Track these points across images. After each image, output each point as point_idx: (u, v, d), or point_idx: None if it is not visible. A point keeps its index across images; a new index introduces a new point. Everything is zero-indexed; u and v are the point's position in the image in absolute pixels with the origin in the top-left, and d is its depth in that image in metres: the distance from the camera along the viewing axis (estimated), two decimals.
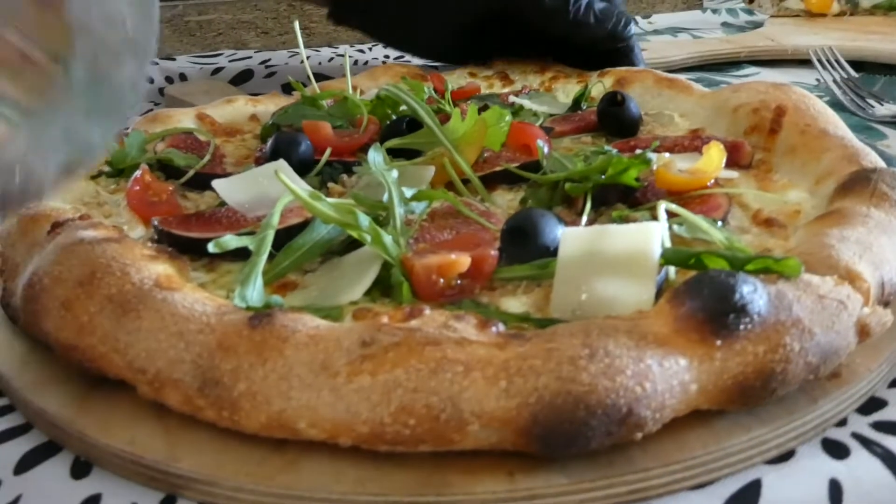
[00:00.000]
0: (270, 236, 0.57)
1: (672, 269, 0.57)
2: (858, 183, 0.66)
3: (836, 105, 1.06)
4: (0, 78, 0.49)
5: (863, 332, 0.52)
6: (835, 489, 0.48)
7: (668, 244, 0.58)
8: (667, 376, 0.46)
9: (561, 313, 0.55)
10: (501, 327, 0.50)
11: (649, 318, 0.49)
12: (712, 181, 0.71)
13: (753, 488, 0.48)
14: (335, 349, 0.48)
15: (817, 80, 1.24)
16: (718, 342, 0.48)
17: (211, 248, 0.56)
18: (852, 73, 1.22)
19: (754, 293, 0.49)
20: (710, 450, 0.48)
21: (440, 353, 0.47)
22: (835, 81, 1.19)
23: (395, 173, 0.67)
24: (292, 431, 0.47)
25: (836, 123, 0.78)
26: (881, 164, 0.70)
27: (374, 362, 0.47)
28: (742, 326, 0.48)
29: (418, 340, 0.47)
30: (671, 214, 0.62)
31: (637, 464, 0.47)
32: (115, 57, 0.53)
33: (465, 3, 1.13)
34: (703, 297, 0.49)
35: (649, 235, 0.56)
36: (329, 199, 0.61)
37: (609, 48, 1.07)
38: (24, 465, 0.52)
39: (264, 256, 0.56)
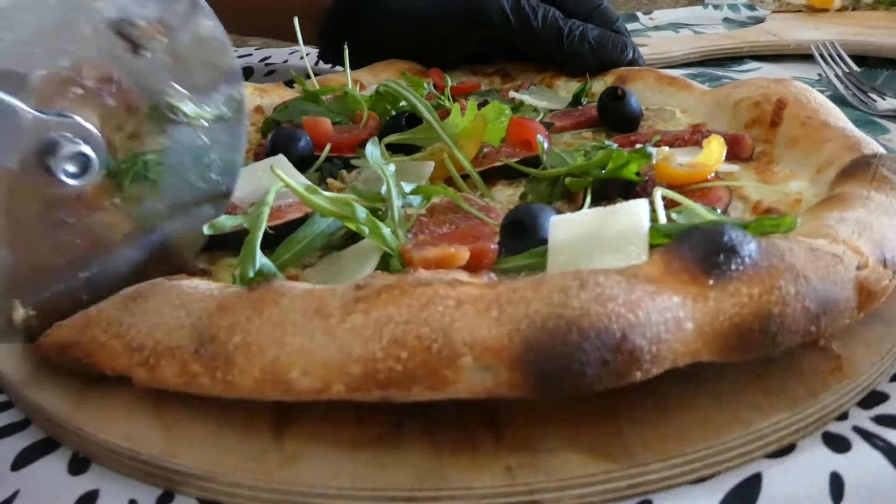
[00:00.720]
0: (265, 213, 0.56)
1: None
2: (859, 168, 0.65)
3: (838, 99, 1.06)
4: None
5: (863, 291, 0.51)
6: (836, 482, 0.48)
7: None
8: (660, 309, 0.46)
9: None
10: (493, 276, 0.49)
11: (641, 266, 0.49)
12: (713, 175, 0.71)
13: (754, 482, 0.48)
14: (329, 297, 0.48)
15: (819, 74, 1.23)
16: (711, 282, 0.47)
17: (206, 230, 0.56)
18: (854, 67, 1.22)
19: (743, 237, 0.49)
20: (710, 444, 0.48)
21: (432, 291, 0.46)
22: (837, 76, 1.19)
23: (392, 167, 0.67)
24: (285, 385, 0.46)
25: (837, 115, 0.77)
26: (882, 151, 0.69)
27: (367, 303, 0.47)
28: (734, 267, 0.48)
29: (410, 282, 0.47)
30: (669, 204, 0.61)
31: (637, 458, 0.47)
32: (197, 198, 0.61)
33: (460, 42, 1.14)
34: (693, 241, 0.49)
35: (636, 210, 0.56)
36: (326, 193, 0.61)
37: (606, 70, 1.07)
38: (22, 460, 0.52)
39: (260, 234, 0.55)
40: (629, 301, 0.45)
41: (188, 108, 0.58)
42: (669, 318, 0.46)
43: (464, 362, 0.45)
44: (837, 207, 0.59)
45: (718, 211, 0.64)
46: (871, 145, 0.70)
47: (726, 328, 0.47)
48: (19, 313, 0.54)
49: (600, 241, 0.55)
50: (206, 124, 0.59)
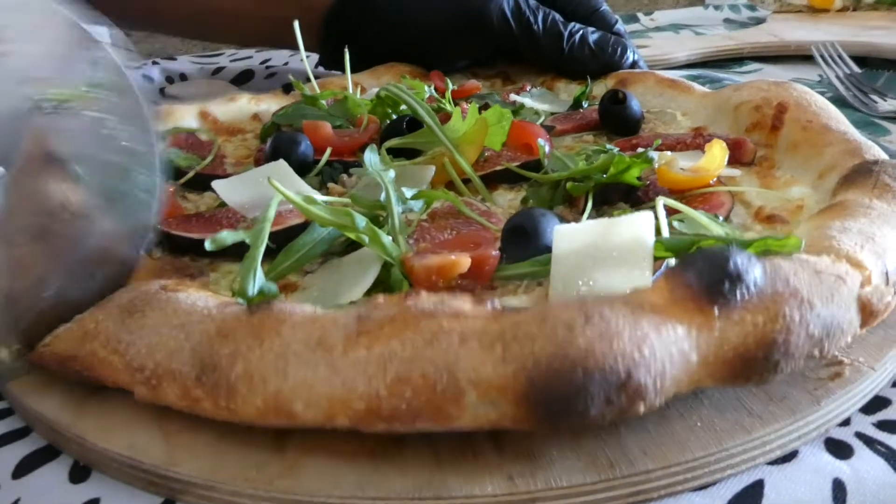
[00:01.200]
0: (267, 229, 0.56)
1: (673, 262, 0.57)
2: (860, 175, 0.65)
3: (839, 101, 1.06)
4: None
5: (865, 310, 0.51)
6: (838, 489, 0.47)
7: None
8: (665, 343, 0.46)
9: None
10: (497, 303, 0.49)
11: (646, 292, 0.49)
12: (714, 179, 0.71)
13: (756, 489, 0.48)
14: (332, 326, 0.47)
15: (820, 75, 1.23)
16: (716, 311, 0.47)
17: (208, 245, 0.56)
18: (855, 68, 1.21)
19: (749, 263, 0.48)
20: (711, 451, 0.48)
21: (436, 325, 0.46)
22: (838, 77, 1.18)
23: (392, 173, 0.67)
24: (288, 416, 0.46)
25: (838, 119, 0.77)
26: (884, 156, 0.69)
27: (370, 336, 0.46)
28: (739, 295, 0.47)
29: (414, 314, 0.47)
30: (671, 211, 0.61)
31: (638, 465, 0.47)
32: (122, 171, 0.56)
33: (460, 46, 1.15)
34: (698, 267, 0.48)
35: (641, 223, 0.55)
36: (325, 199, 0.61)
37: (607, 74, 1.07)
38: (23, 468, 0.52)
39: (261, 249, 0.55)
40: (634, 337, 0.45)
41: (54, 91, 0.55)
42: (675, 352, 0.46)
43: (468, 399, 0.45)
44: (839, 216, 0.59)
45: (720, 218, 0.64)
46: (873, 150, 0.70)
47: (730, 357, 0.47)
48: (4, 353, 0.54)
49: (605, 252, 0.55)
50: (85, 95, 0.56)
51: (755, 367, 0.47)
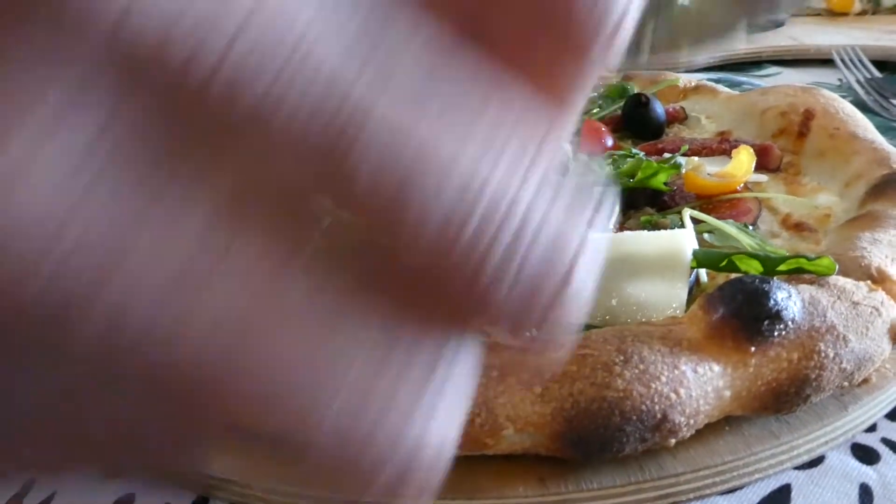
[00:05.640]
0: None
1: (703, 273, 0.57)
2: (889, 186, 0.66)
3: (859, 105, 1.05)
4: None
5: (895, 336, 0.52)
6: (865, 494, 0.48)
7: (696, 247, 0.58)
8: (701, 382, 0.47)
9: (591, 319, 0.55)
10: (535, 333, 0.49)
11: (682, 325, 0.49)
12: (741, 185, 0.71)
13: (783, 493, 0.48)
14: None
15: (840, 79, 1.23)
16: (752, 349, 0.48)
17: None
18: (875, 73, 1.21)
19: (788, 299, 0.49)
20: (740, 455, 0.48)
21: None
22: (858, 81, 1.18)
23: None
24: None
25: (866, 127, 0.77)
26: None
27: None
28: (776, 333, 0.48)
29: None
30: (697, 220, 0.62)
31: (667, 469, 0.47)
32: None
33: None
34: (737, 302, 0.49)
35: (680, 239, 0.56)
36: None
37: None
38: None
39: None
40: (672, 379, 0.46)
41: None
42: (709, 391, 0.47)
43: (505, 433, 0.45)
44: (869, 227, 0.60)
45: (750, 227, 0.64)
46: None
47: (762, 392, 0.48)
48: None
49: (640, 265, 0.55)
50: None
51: (785, 401, 0.48)
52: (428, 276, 0.17)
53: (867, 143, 0.73)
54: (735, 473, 0.48)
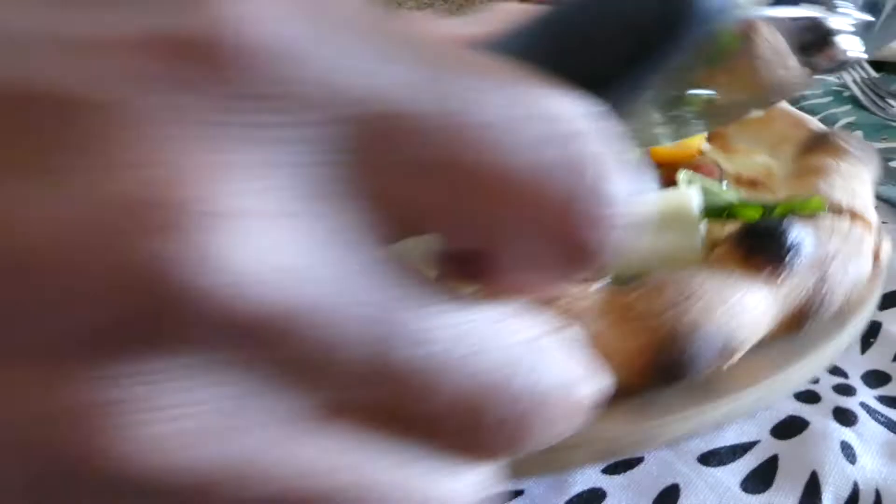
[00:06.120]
0: None
1: (702, 225, 0.63)
2: (818, 142, 0.73)
3: (856, 103, 1.13)
4: None
5: (876, 258, 0.62)
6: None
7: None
8: (750, 308, 0.53)
9: (628, 271, 0.59)
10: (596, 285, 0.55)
11: (723, 263, 0.56)
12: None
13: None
14: None
15: (837, 78, 1.24)
16: (780, 279, 0.55)
17: None
18: (872, 72, 1.24)
19: (803, 234, 0.57)
20: (772, 376, 0.55)
21: (564, 306, 0.52)
22: (854, 81, 1.21)
23: None
24: None
25: None
26: (824, 128, 0.78)
27: None
28: (797, 263, 0.56)
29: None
30: (668, 183, 0.67)
31: (723, 390, 0.54)
32: None
33: None
34: (764, 243, 0.56)
35: (689, 195, 0.62)
36: None
37: None
38: None
39: None
40: (731, 306, 0.52)
41: None
42: (758, 315, 0.54)
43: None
44: (819, 176, 0.67)
45: (724, 184, 0.71)
46: (814, 121, 0.79)
47: (792, 314, 0.56)
48: None
49: (659, 220, 0.60)
50: None
51: (806, 319, 0.57)
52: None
53: (782, 110, 0.81)
54: (772, 390, 0.56)
